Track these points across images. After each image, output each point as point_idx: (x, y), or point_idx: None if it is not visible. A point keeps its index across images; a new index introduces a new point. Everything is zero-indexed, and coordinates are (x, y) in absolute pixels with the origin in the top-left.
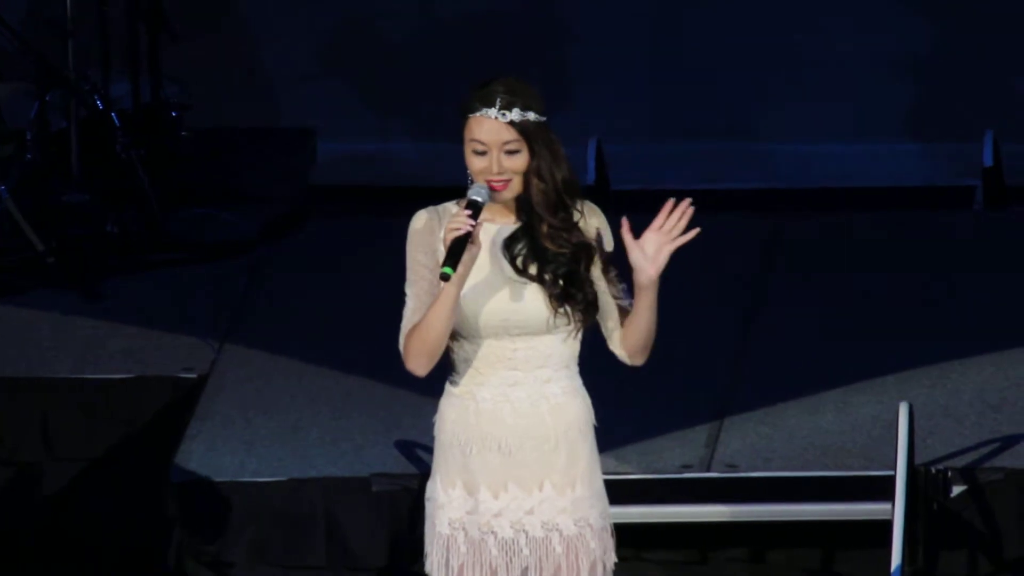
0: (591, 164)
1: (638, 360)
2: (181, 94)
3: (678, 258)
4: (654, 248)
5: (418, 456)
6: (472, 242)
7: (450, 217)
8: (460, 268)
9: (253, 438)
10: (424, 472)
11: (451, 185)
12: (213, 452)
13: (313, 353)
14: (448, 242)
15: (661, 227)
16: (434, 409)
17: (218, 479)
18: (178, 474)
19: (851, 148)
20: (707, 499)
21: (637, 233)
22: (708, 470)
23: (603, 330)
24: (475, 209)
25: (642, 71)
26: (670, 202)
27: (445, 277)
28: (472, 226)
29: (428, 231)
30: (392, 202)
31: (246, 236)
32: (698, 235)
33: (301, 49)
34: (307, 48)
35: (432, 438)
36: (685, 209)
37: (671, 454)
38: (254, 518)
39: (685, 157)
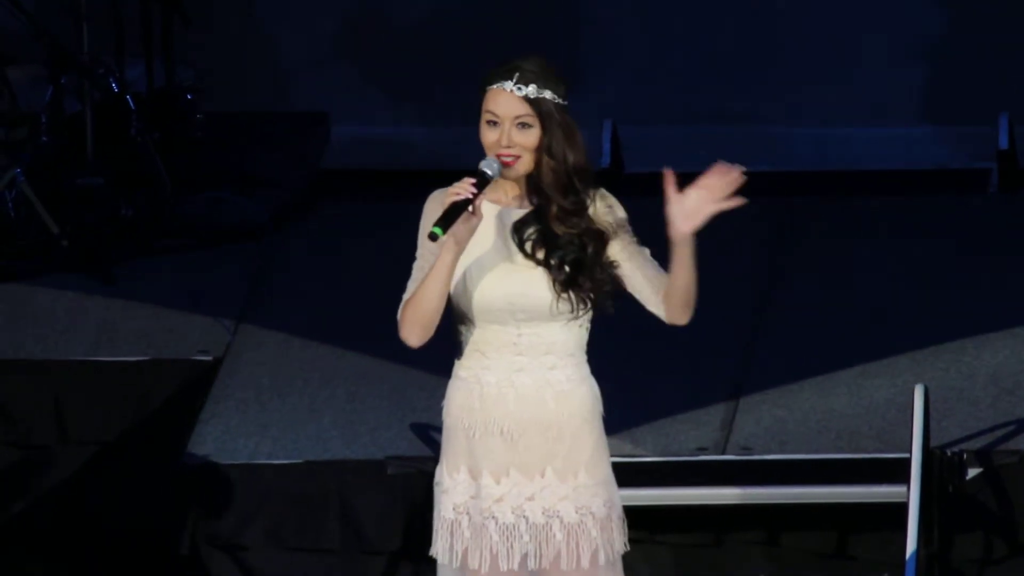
0: (606, 147)
1: (679, 319)
2: (195, 78)
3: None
4: (694, 205)
5: (433, 439)
6: (473, 212)
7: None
8: (459, 238)
9: (267, 421)
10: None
11: (463, 170)
12: (227, 435)
13: (328, 336)
14: (446, 204)
15: (706, 185)
16: None
17: (232, 462)
18: (192, 457)
19: (866, 131)
20: (722, 482)
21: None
22: (723, 453)
23: (639, 298)
24: (482, 180)
25: (657, 54)
26: (720, 164)
27: (433, 237)
28: (473, 194)
29: (440, 208)
30: (404, 186)
31: (259, 219)
32: (713, 218)
33: (314, 33)
34: (320, 32)
35: None
36: (735, 177)
37: (686, 437)
38: (268, 501)
39: (700, 140)
